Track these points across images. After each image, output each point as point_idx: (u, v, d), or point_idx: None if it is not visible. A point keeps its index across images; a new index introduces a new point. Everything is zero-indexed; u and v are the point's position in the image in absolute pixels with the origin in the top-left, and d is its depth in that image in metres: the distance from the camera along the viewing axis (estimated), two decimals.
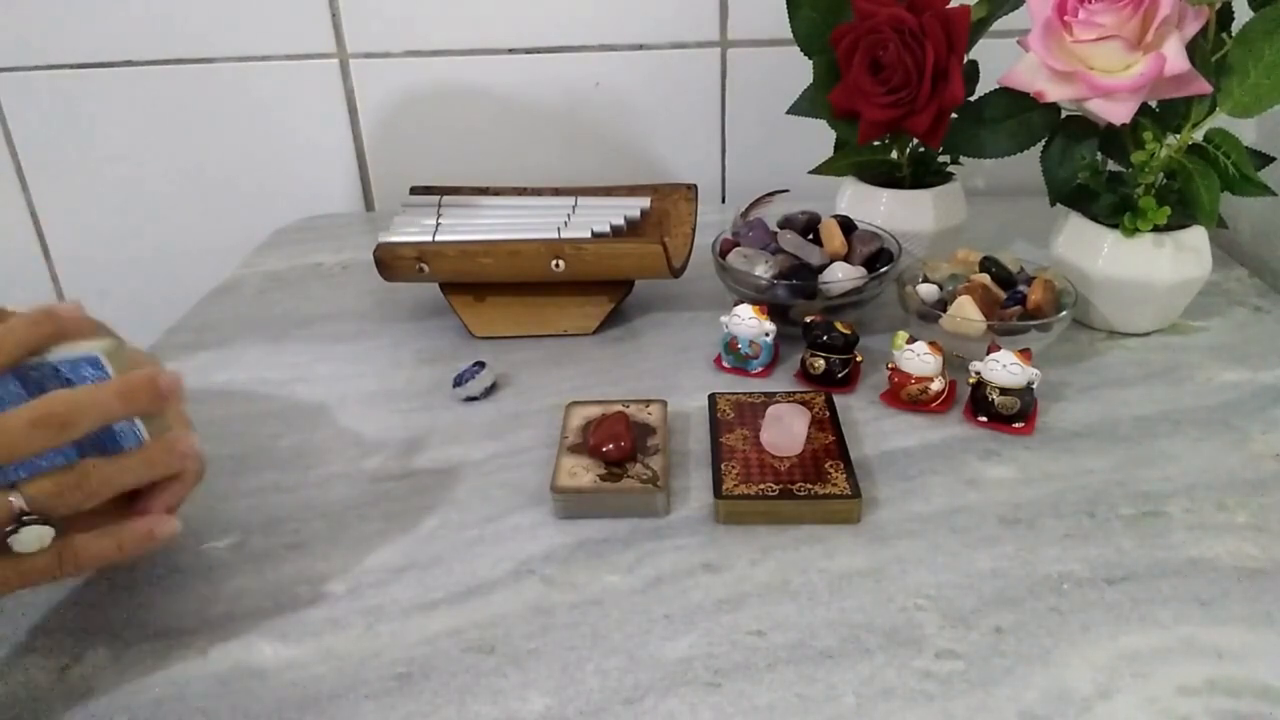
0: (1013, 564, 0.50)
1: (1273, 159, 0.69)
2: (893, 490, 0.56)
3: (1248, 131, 0.81)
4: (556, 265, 0.72)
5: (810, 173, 0.81)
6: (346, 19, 0.99)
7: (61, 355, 0.43)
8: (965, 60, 0.72)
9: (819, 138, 0.79)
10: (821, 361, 0.66)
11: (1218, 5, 0.63)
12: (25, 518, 0.41)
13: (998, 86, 0.71)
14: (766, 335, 0.67)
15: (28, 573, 0.42)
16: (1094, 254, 0.70)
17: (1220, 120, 0.66)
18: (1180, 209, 0.67)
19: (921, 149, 0.79)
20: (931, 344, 0.63)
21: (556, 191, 0.84)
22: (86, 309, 0.46)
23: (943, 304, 0.67)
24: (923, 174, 0.80)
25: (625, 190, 0.83)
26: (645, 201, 0.80)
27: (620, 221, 0.76)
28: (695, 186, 0.83)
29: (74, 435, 0.41)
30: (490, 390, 0.68)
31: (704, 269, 0.76)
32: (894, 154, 0.79)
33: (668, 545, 0.53)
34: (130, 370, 0.45)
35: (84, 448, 0.43)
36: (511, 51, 1.00)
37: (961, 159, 0.79)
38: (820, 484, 0.55)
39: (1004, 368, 0.60)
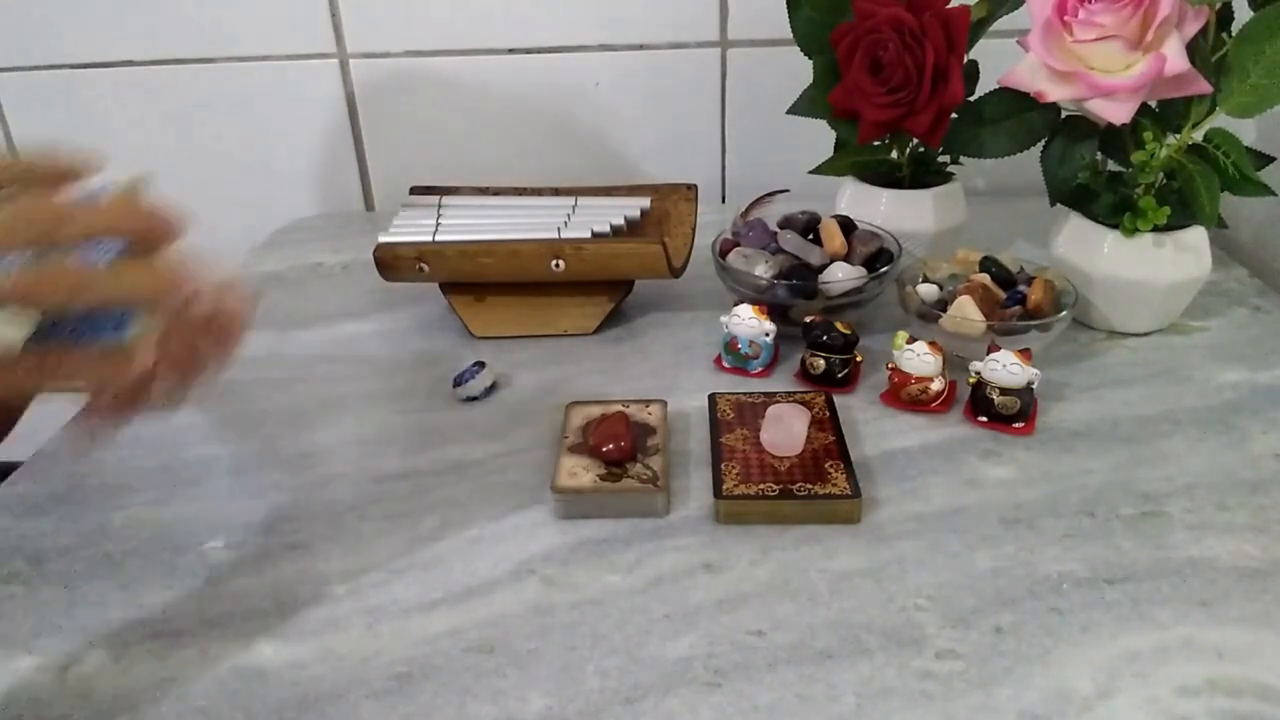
0: (1013, 564, 0.50)
1: (1273, 159, 0.69)
2: (893, 490, 0.56)
3: (1248, 131, 0.81)
4: (556, 265, 0.72)
5: (810, 173, 0.81)
6: (346, 19, 0.99)
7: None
8: (965, 60, 0.72)
9: (819, 138, 0.79)
10: (821, 361, 0.66)
11: (1218, 5, 0.63)
12: None
13: (998, 86, 0.71)
14: (766, 335, 0.67)
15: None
16: (1094, 254, 0.70)
17: (1220, 120, 0.66)
18: (1180, 209, 0.67)
19: (921, 149, 0.79)
20: (931, 344, 0.63)
21: (556, 191, 0.83)
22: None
23: (943, 304, 0.67)
24: (923, 174, 0.80)
25: (625, 190, 0.83)
26: (645, 201, 0.80)
27: (620, 221, 0.76)
28: (695, 186, 0.82)
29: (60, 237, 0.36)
30: (490, 390, 0.68)
31: (704, 269, 0.76)
32: (894, 154, 0.79)
33: (668, 545, 0.53)
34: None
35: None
36: (511, 51, 1.00)
37: (961, 159, 0.79)
38: (820, 484, 0.55)
39: (1004, 368, 0.60)
